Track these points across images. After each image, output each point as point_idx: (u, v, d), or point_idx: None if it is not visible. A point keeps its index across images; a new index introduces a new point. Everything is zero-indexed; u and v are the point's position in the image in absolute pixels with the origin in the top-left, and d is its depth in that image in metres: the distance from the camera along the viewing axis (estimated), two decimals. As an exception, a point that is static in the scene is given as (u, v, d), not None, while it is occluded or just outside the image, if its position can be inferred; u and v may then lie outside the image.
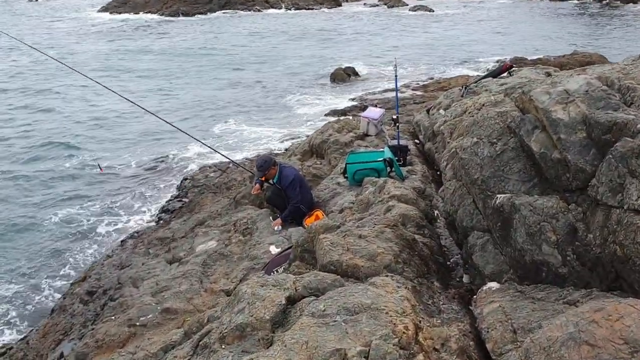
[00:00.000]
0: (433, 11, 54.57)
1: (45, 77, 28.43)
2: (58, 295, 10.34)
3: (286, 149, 14.52)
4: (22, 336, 9.43)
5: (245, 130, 20.34)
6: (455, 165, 4.93)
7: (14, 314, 9.93)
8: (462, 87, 10.17)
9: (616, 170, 3.52)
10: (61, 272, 11.15)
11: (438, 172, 9.19)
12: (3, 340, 9.45)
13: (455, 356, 3.49)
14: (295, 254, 5.62)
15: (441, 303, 4.54)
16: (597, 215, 3.70)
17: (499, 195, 4.11)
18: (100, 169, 9.58)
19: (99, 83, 9.26)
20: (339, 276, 4.23)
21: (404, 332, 3.49)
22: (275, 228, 8.12)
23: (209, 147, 10.26)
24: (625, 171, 3.49)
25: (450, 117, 8.60)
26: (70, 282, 10.72)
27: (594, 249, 3.75)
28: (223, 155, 10.91)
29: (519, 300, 3.92)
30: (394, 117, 9.06)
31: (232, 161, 10.78)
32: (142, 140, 19.13)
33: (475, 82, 10.54)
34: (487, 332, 3.74)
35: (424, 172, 8.74)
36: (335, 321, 3.65)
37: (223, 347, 3.78)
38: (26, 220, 13.56)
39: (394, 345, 3.41)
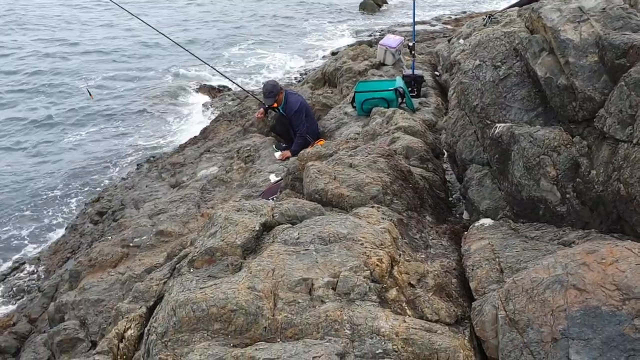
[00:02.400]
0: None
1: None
2: (73, 215, 10.55)
3: (300, 78, 14.17)
4: (35, 253, 9.58)
5: (265, 57, 20.07)
6: (459, 92, 4.54)
7: (30, 231, 10.18)
8: (486, 16, 9.52)
9: (628, 100, 3.11)
10: (79, 194, 11.37)
11: (453, 106, 8.76)
12: (17, 256, 9.62)
13: (431, 293, 3.24)
14: (287, 182, 5.37)
15: (430, 238, 4.26)
16: (602, 149, 3.33)
17: (498, 125, 3.74)
18: (91, 95, 9.40)
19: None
20: (319, 205, 3.97)
21: (377, 265, 3.23)
22: (277, 155, 7.86)
23: (226, 77, 9.80)
24: (638, 100, 3.09)
25: (468, 47, 8.06)
26: (85, 202, 10.88)
27: (596, 186, 3.40)
28: (238, 85, 10.53)
29: (511, 239, 3.62)
30: (410, 44, 8.55)
31: (245, 90, 10.39)
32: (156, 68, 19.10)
33: (501, 11, 9.87)
34: (472, 270, 3.47)
35: (437, 104, 8.32)
36: (307, 250, 3.42)
37: (191, 270, 3.59)
38: (50, 143, 13.83)
39: (364, 277, 3.16)
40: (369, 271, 3.20)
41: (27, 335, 6.73)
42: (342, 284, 3.13)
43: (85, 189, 11.54)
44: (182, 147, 12.22)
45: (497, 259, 3.45)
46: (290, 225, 3.70)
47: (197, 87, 17.26)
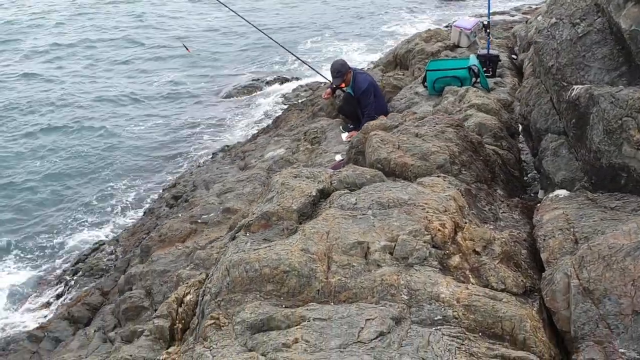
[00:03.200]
0: None
1: None
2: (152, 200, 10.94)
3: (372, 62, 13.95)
4: (114, 235, 9.91)
5: (341, 46, 20.00)
6: (535, 60, 4.25)
7: (109, 216, 10.60)
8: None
9: None
10: (159, 180, 11.73)
11: (531, 87, 8.31)
12: (99, 237, 10.01)
13: (497, 261, 3.01)
14: (349, 156, 5.22)
15: (500, 211, 4.00)
16: (696, 109, 2.98)
17: (575, 86, 3.43)
18: (187, 49, 9.58)
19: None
20: (380, 172, 3.80)
21: (439, 230, 3.04)
22: (344, 137, 7.72)
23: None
24: None
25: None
26: (162, 187, 11.23)
27: (688, 151, 3.05)
28: (316, 70, 10.40)
29: (588, 208, 3.32)
30: (485, 22, 8.17)
31: (312, 67, 10.20)
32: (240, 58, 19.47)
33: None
34: (544, 240, 3.21)
35: (513, 85, 7.91)
36: (364, 214, 3.26)
37: (247, 234, 3.52)
38: (130, 125, 14.42)
39: (424, 242, 2.98)
40: (429, 236, 3.02)
41: (99, 306, 6.93)
42: (400, 247, 2.97)
43: (163, 176, 11.93)
44: (255, 137, 12.39)
45: (571, 229, 3.17)
46: (348, 192, 3.56)
47: (272, 78, 17.46)
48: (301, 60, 8.97)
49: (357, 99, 7.72)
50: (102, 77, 17.88)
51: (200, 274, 4.11)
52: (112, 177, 11.92)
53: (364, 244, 3.01)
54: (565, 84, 3.54)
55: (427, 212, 3.18)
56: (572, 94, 3.41)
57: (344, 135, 7.84)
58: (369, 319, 2.61)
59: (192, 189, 9.26)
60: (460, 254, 3.01)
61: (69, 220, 10.45)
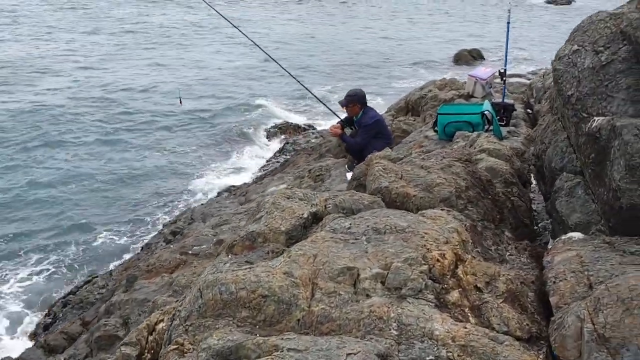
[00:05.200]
0: (570, 3, 50.09)
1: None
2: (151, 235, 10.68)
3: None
4: (109, 268, 9.64)
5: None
6: (553, 96, 4.00)
7: (112, 249, 10.40)
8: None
9: None
10: (160, 217, 11.54)
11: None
12: (94, 271, 9.74)
13: (501, 300, 2.67)
14: (350, 188, 4.94)
15: (507, 253, 3.67)
16: None
17: (596, 118, 3.17)
18: (180, 102, 9.57)
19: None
20: (379, 199, 3.50)
21: (438, 260, 2.72)
22: (348, 176, 7.45)
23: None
24: None
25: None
26: (163, 223, 11.03)
27: None
28: (316, 97, 10.18)
29: (604, 252, 2.99)
30: (501, 70, 7.99)
31: (321, 101, 9.87)
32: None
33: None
34: (554, 282, 2.87)
35: (528, 135, 7.65)
36: (357, 239, 2.96)
37: (229, 256, 3.21)
38: (137, 168, 14.15)
39: (420, 272, 2.65)
40: (427, 266, 2.69)
41: (77, 336, 6.58)
42: (393, 276, 2.64)
43: (165, 212, 11.77)
44: (261, 178, 12.29)
45: (585, 272, 2.84)
46: (342, 215, 3.26)
47: (284, 123, 17.47)
48: (317, 98, 8.80)
49: (358, 131, 7.52)
50: (119, 105, 18.02)
51: (177, 300, 3.77)
52: (116, 211, 11.75)
53: (354, 271, 2.69)
54: (586, 115, 3.27)
55: (427, 240, 2.86)
56: (593, 126, 3.14)
57: (349, 175, 7.57)
58: (351, 354, 2.27)
59: (189, 222, 9.01)
60: (460, 289, 2.68)
61: (64, 252, 10.22)
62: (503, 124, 7.86)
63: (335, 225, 3.12)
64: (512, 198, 5.00)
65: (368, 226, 3.07)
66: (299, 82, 9.11)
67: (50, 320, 8.28)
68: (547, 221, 5.41)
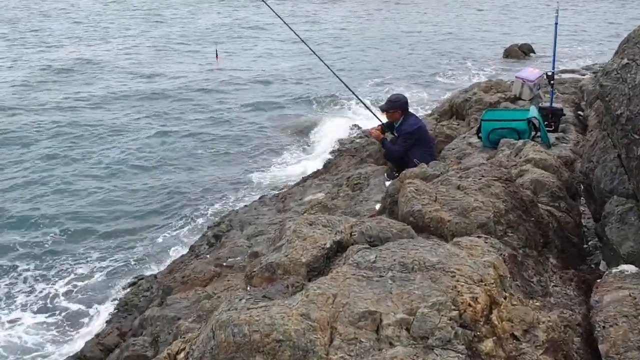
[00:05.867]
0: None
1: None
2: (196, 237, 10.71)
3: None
4: (155, 270, 9.66)
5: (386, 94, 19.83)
6: (601, 110, 3.66)
7: (158, 249, 10.47)
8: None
9: None
10: (207, 216, 11.61)
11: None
12: (141, 273, 9.81)
13: (542, 351, 2.39)
14: (384, 205, 4.69)
15: (551, 284, 3.37)
16: None
17: (651, 141, 2.85)
18: (217, 57, 9.43)
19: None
20: (409, 227, 3.25)
21: (469, 305, 2.46)
22: (388, 185, 7.19)
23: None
24: None
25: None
26: (207, 225, 11.05)
27: None
28: (360, 99, 9.91)
29: (662, 292, 2.67)
30: (549, 73, 7.57)
31: (365, 104, 9.61)
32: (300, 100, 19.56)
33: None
34: (604, 327, 2.57)
35: (577, 142, 7.22)
36: (381, 277, 2.72)
37: (248, 288, 3.03)
38: (183, 160, 14.48)
39: (450, 319, 2.40)
40: (457, 312, 2.44)
41: (113, 348, 6.55)
42: (419, 324, 2.40)
43: (211, 213, 11.75)
44: (304, 180, 12.19)
45: (640, 317, 2.53)
46: (367, 247, 3.03)
47: (332, 121, 17.41)
48: (361, 100, 8.59)
49: (398, 138, 7.27)
50: (164, 110, 18.28)
51: (199, 328, 3.62)
52: (163, 211, 11.85)
53: (376, 315, 2.46)
54: (637, 137, 2.94)
55: (458, 280, 2.60)
56: (646, 149, 2.81)
57: (388, 184, 7.31)
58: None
59: (228, 229, 8.91)
60: (495, 338, 2.41)
61: (113, 252, 10.32)
62: (551, 129, 7.46)
63: (359, 258, 2.89)
64: (558, 215, 4.67)
65: (395, 260, 2.82)
66: (343, 82, 8.91)
67: (95, 321, 8.32)
68: (598, 240, 5.04)
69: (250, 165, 14.22)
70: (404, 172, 4.55)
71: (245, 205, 11.26)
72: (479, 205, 3.51)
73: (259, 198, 11.83)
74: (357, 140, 15.50)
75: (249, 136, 16.31)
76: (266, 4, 9.25)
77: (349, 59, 24.81)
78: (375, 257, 2.89)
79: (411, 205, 3.64)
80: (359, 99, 8.67)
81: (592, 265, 4.66)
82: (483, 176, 3.99)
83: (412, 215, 3.61)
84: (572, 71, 20.85)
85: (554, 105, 7.57)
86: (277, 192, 11.92)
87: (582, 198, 5.95)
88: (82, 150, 14.65)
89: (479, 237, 3.35)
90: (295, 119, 17.65)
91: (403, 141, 7.11)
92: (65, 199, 12.12)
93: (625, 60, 3.11)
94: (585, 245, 5.00)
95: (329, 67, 8.88)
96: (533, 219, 3.89)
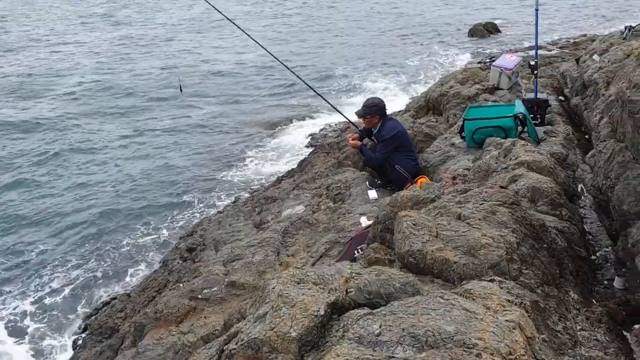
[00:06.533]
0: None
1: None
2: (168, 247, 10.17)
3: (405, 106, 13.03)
4: (128, 286, 9.14)
5: (366, 86, 19.44)
6: (616, 119, 3.22)
7: (130, 263, 9.87)
8: (625, 28, 7.97)
9: None
10: (176, 226, 11.04)
11: (587, 135, 7.22)
12: (111, 291, 9.35)
13: None
14: (375, 233, 4.21)
15: (578, 328, 2.93)
16: None
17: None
18: (181, 89, 8.99)
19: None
20: (413, 277, 2.77)
21: (503, 395, 1.99)
22: (371, 195, 6.73)
23: (330, 104, 8.71)
24: None
25: (607, 63, 6.57)
26: (180, 236, 10.56)
27: None
28: (334, 107, 9.40)
29: None
30: (532, 62, 7.16)
31: (341, 113, 9.18)
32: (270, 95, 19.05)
33: (645, 22, 8.26)
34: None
35: (567, 134, 6.84)
36: (391, 357, 2.23)
37: (227, 371, 2.52)
38: (152, 161, 13.92)
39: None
40: (489, 405, 1.97)
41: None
42: None
43: (183, 219, 11.24)
44: (279, 180, 11.85)
45: None
46: (369, 312, 2.54)
47: (300, 115, 17.05)
48: (337, 109, 8.11)
49: (377, 145, 6.82)
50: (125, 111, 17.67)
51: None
52: (128, 218, 11.28)
53: (390, 416, 1.98)
54: (677, 162, 2.52)
55: (483, 359, 2.13)
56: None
57: (371, 193, 6.85)
58: None
59: (202, 248, 8.37)
60: None
61: (82, 264, 9.75)
62: (538, 122, 7.07)
63: (361, 329, 2.41)
64: (561, 226, 4.26)
65: (404, 330, 2.34)
66: (316, 92, 8.41)
67: (68, 345, 7.84)
68: (607, 249, 4.64)
69: (220, 164, 13.75)
70: (394, 196, 4.07)
71: (219, 212, 10.78)
72: (487, 241, 3.05)
73: (233, 202, 11.39)
74: (330, 135, 15.14)
75: (217, 133, 15.86)
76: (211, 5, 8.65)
77: (310, 53, 24.35)
78: (380, 327, 2.40)
79: (410, 244, 3.16)
80: (335, 109, 8.17)
81: (605, 282, 4.27)
82: (485, 200, 3.52)
83: (411, 256, 3.14)
84: (539, 47, 20.64)
85: (539, 96, 7.17)
86: (250, 195, 11.50)
87: (581, 199, 5.57)
88: (44, 157, 14.12)
89: (492, 280, 2.89)
90: (265, 115, 17.25)
91: (383, 147, 6.66)
92: (26, 208, 11.59)
93: (655, 70, 2.67)
94: (594, 257, 4.60)
95: (299, 77, 8.39)
96: (545, 245, 3.45)
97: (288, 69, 8.40)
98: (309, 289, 2.74)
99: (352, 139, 7.16)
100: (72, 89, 19.87)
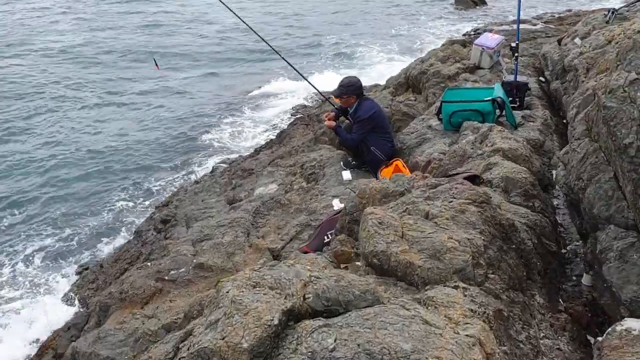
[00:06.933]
0: None
1: None
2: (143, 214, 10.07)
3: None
4: (102, 254, 9.05)
5: (352, 52, 19.26)
6: (592, 117, 3.10)
7: (105, 231, 9.79)
8: (608, 11, 7.81)
9: None
10: (154, 188, 11.03)
11: (565, 120, 7.13)
12: (84, 259, 9.15)
13: None
14: (342, 224, 4.11)
15: (542, 335, 2.86)
16: None
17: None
18: (157, 65, 8.77)
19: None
20: (373, 285, 2.66)
21: None
22: (345, 175, 6.60)
23: (301, 75, 8.49)
24: None
25: (588, 48, 6.44)
26: (156, 205, 10.43)
27: None
28: (312, 85, 9.14)
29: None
30: (513, 44, 7.00)
31: (318, 91, 9.04)
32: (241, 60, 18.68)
33: (628, 5, 8.11)
34: None
35: (545, 120, 6.73)
36: (343, 376, 2.13)
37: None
38: (133, 128, 13.70)
39: None
40: None
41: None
42: None
43: (160, 186, 11.17)
44: (257, 151, 11.75)
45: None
46: (325, 323, 2.42)
47: (281, 83, 16.67)
48: (314, 87, 7.94)
49: (353, 125, 6.68)
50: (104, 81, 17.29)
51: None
52: (104, 187, 11.09)
53: None
54: (650, 174, 2.41)
55: (439, 381, 2.04)
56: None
57: (345, 174, 6.72)
58: None
59: (174, 223, 8.21)
60: None
61: (55, 232, 9.64)
62: (516, 106, 6.96)
63: (314, 344, 2.30)
64: (533, 218, 4.19)
65: (359, 346, 2.24)
66: (294, 68, 8.20)
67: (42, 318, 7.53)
68: (578, 243, 4.59)
69: (200, 130, 13.60)
70: (362, 188, 3.94)
71: (197, 182, 10.64)
72: (453, 245, 2.94)
73: (211, 172, 11.26)
74: (309, 105, 14.94)
75: (197, 98, 15.69)
76: None
77: (293, 26, 23.97)
78: (334, 342, 2.29)
79: (374, 244, 3.05)
80: (313, 86, 7.99)
81: (574, 278, 4.22)
82: (454, 197, 3.41)
83: (376, 257, 3.03)
84: (522, 21, 20.41)
85: (519, 79, 7.04)
86: (228, 165, 11.35)
87: (555, 188, 5.50)
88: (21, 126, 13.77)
89: (456, 286, 2.79)
90: (247, 84, 16.97)
91: (359, 128, 6.51)
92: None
93: (634, 75, 2.53)
94: (564, 251, 4.55)
95: (281, 56, 8.15)
96: (514, 246, 3.36)
97: (264, 41, 8.14)
98: (264, 294, 2.62)
99: (328, 119, 7.00)
100: (47, 46, 19.40)
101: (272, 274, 2.73)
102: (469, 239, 2.99)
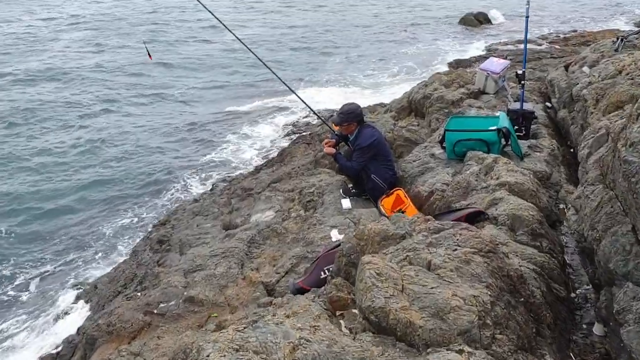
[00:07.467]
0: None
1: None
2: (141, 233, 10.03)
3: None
4: (100, 272, 8.94)
5: (353, 76, 19.11)
6: (607, 163, 2.87)
7: (102, 247, 9.77)
8: (617, 38, 7.61)
9: None
10: (153, 208, 10.99)
11: (572, 150, 6.91)
12: (84, 277, 9.10)
13: None
14: (339, 266, 3.86)
15: (553, 405, 2.61)
16: None
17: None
18: (150, 56, 8.66)
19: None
20: (369, 351, 2.41)
21: None
22: (344, 204, 6.37)
23: (301, 99, 8.21)
24: None
25: (597, 78, 6.22)
26: (153, 224, 10.31)
27: None
28: (310, 108, 8.89)
29: None
30: (519, 72, 6.79)
31: (319, 116, 8.83)
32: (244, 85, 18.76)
33: (637, 33, 7.92)
34: None
35: (552, 150, 6.51)
36: None
37: None
38: (135, 148, 13.65)
39: None
40: None
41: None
42: None
43: (160, 203, 11.20)
44: (258, 170, 11.53)
45: None
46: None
47: (282, 103, 16.70)
48: (314, 112, 7.77)
49: (353, 152, 6.47)
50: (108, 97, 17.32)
51: None
52: (102, 203, 11.09)
53: None
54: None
55: None
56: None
57: (345, 203, 6.49)
58: None
59: (168, 249, 8.00)
60: None
61: (53, 251, 9.61)
62: (522, 135, 6.74)
63: None
64: (541, 259, 3.95)
65: None
66: (296, 94, 7.98)
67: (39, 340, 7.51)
68: (588, 287, 4.34)
69: (201, 146, 13.63)
70: (361, 229, 3.70)
71: (196, 200, 10.48)
72: (458, 303, 2.69)
73: (210, 190, 11.14)
74: (313, 122, 14.81)
75: (199, 115, 15.66)
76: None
77: (306, 39, 24.01)
78: (324, 423, 2.05)
79: (371, 298, 2.81)
80: (313, 111, 7.82)
81: (584, 326, 3.97)
82: (459, 245, 3.17)
83: (373, 313, 2.78)
84: (528, 41, 20.32)
85: (525, 107, 6.82)
86: (228, 183, 11.21)
87: (562, 225, 5.26)
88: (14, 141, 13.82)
89: (460, 351, 2.55)
90: (251, 97, 17.11)
91: (359, 156, 6.29)
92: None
93: (659, 128, 2.30)
94: (573, 295, 4.30)
95: (281, 80, 7.94)
96: (523, 299, 3.12)
97: (264, 63, 7.95)
98: (248, 358, 2.37)
99: (328, 145, 6.79)
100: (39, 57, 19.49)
101: (257, 336, 2.49)
102: (474, 296, 2.75)
